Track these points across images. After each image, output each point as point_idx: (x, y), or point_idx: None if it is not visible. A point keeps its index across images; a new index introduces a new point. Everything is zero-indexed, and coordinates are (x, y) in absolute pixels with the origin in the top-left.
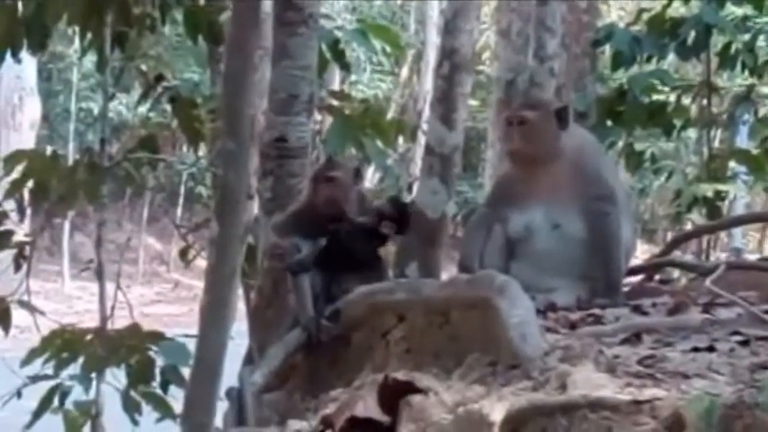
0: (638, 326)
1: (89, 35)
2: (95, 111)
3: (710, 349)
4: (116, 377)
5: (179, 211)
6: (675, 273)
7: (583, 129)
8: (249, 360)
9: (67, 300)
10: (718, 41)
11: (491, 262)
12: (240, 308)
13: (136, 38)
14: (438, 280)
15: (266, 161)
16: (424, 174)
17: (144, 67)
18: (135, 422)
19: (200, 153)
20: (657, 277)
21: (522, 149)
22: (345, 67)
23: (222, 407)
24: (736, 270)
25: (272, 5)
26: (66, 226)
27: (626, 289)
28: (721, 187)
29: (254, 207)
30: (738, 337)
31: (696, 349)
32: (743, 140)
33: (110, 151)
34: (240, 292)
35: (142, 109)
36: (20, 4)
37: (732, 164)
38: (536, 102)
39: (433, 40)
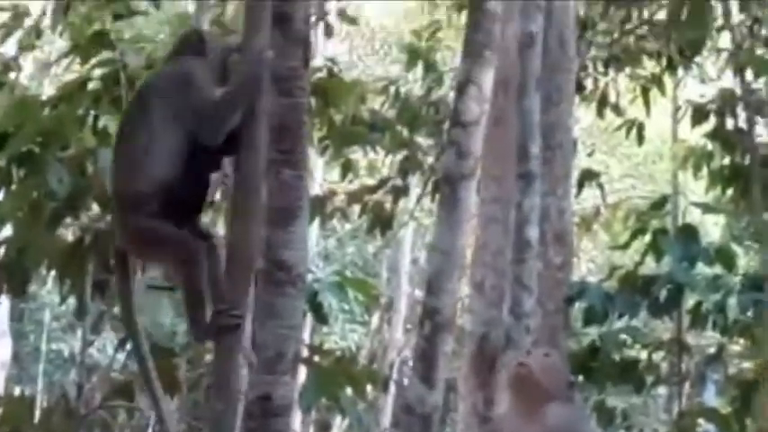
0: None
1: (68, 282)
2: (65, 352)
3: None
4: None
5: None
6: None
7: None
8: None
9: None
10: (689, 299)
11: None
12: None
13: (115, 285)
14: None
15: (249, 420)
16: None
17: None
18: None
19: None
20: None
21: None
22: (323, 320)
23: None
24: None
25: (261, 264)
26: None
27: None
28: None
29: None
30: None
31: None
32: (710, 397)
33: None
34: None
35: (120, 355)
36: (1, 249)
37: (701, 421)
38: (554, 362)
39: (405, 288)
